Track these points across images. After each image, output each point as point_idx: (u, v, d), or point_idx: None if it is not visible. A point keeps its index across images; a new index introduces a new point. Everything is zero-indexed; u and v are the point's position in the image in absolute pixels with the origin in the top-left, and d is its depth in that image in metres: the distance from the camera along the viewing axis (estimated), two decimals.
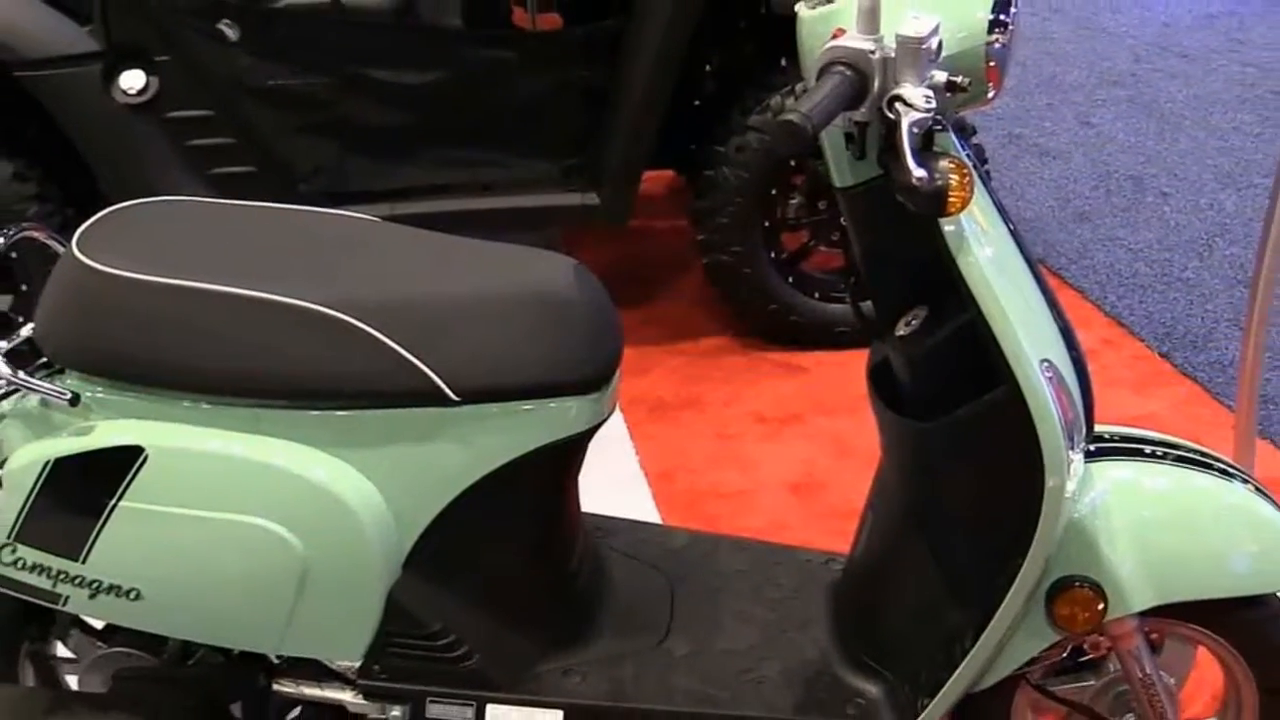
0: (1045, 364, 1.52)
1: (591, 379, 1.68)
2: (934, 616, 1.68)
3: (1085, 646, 1.74)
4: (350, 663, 1.69)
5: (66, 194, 2.88)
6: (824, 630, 1.86)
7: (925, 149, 1.38)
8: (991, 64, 1.44)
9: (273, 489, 1.62)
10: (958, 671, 1.62)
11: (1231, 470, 1.71)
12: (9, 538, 1.62)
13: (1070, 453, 1.53)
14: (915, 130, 1.36)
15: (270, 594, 1.63)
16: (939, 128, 1.39)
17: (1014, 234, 1.64)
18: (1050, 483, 1.52)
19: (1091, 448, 1.67)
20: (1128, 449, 1.70)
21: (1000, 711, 1.78)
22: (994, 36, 1.44)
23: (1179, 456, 1.70)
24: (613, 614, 1.88)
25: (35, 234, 1.81)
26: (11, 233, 1.77)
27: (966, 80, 1.41)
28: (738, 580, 1.98)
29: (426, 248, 1.81)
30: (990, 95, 1.47)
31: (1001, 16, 1.45)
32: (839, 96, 1.37)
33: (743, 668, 1.81)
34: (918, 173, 1.34)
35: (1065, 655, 1.76)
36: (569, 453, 1.72)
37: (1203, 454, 1.73)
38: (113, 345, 1.63)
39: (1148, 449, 1.71)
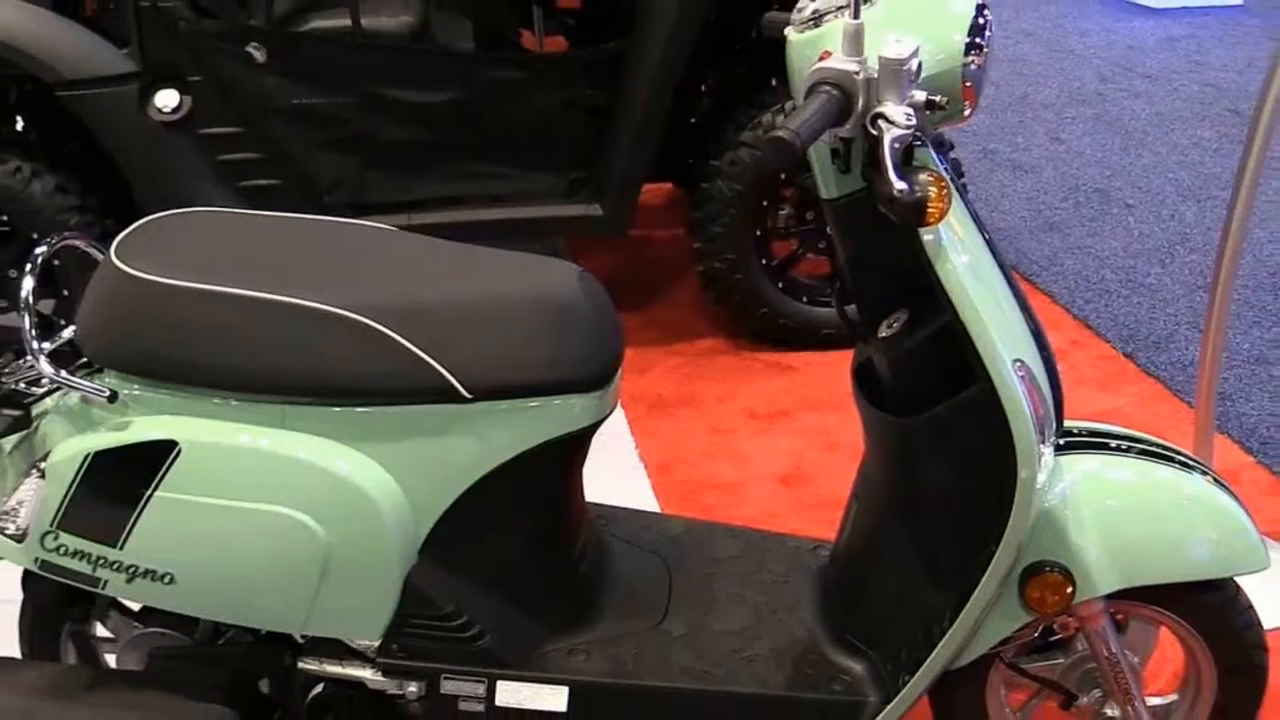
0: (1018, 364, 1.52)
1: (594, 378, 1.67)
2: (914, 599, 1.67)
3: (1055, 627, 1.72)
4: (370, 642, 1.68)
5: (105, 205, 2.86)
6: (811, 612, 1.85)
7: (906, 163, 1.38)
8: (968, 84, 1.44)
9: (298, 480, 1.61)
10: (936, 650, 1.61)
11: (1191, 463, 1.71)
12: (52, 526, 1.61)
13: (1041, 446, 1.53)
14: (896, 146, 1.35)
15: (295, 578, 1.63)
16: (919, 143, 1.39)
17: (989, 242, 1.62)
18: (1023, 474, 1.51)
19: (1061, 441, 1.67)
20: (1095, 443, 1.70)
21: (975, 688, 1.76)
22: (970, 59, 1.43)
23: (1142, 450, 1.70)
24: (614, 597, 1.87)
25: (76, 242, 1.80)
26: (54, 241, 1.75)
27: (944, 99, 1.40)
28: (731, 565, 1.96)
29: (441, 255, 1.80)
30: (966, 113, 1.46)
31: (977, 40, 1.44)
32: (825, 114, 1.36)
33: (736, 647, 1.80)
34: (899, 185, 1.33)
35: (1037, 635, 1.74)
36: (574, 446, 1.71)
37: (1165, 448, 1.72)
38: (148, 346, 1.62)
39: (1113, 443, 1.71)
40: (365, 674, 1.70)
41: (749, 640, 1.79)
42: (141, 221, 1.76)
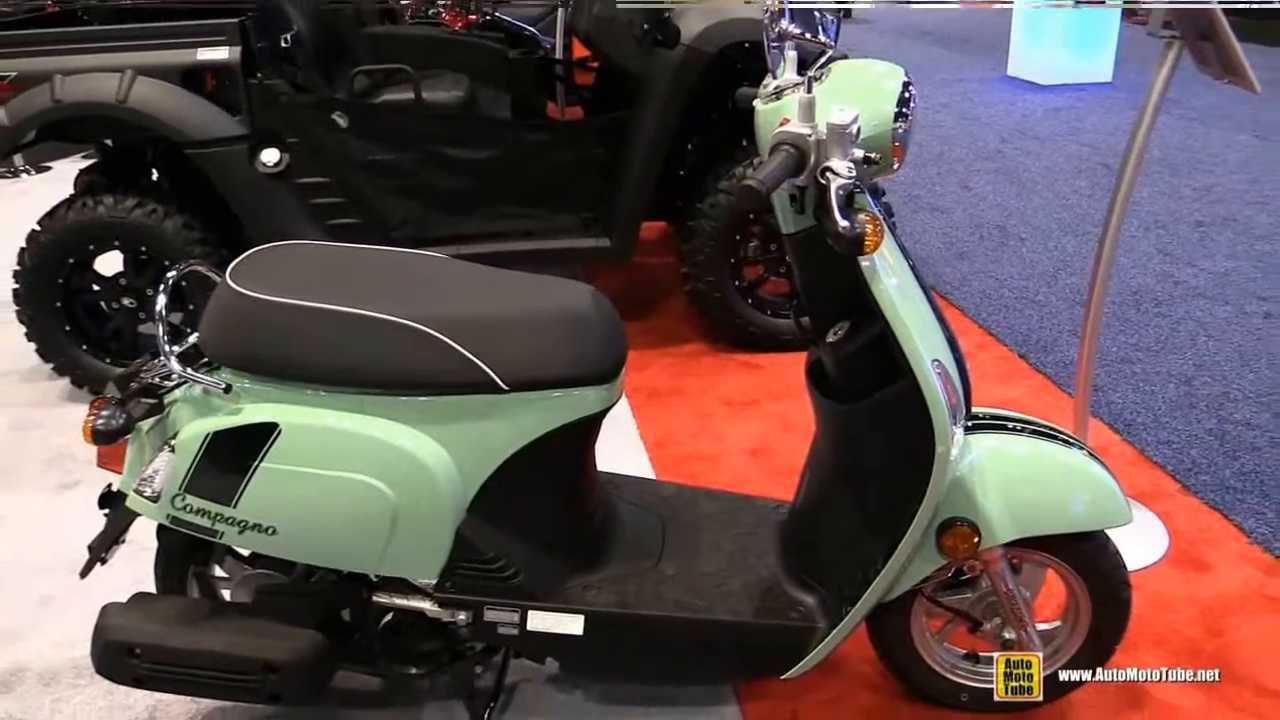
0: (935, 363, 1.50)
1: (604, 374, 1.63)
2: (854, 546, 1.65)
3: (965, 569, 1.70)
4: (429, 580, 1.63)
5: (221, 239, 2.83)
6: (774, 557, 1.82)
7: (848, 206, 1.36)
8: (896, 144, 1.41)
9: (373, 455, 1.56)
10: (871, 586, 1.59)
11: (1072, 440, 1.69)
12: (180, 490, 1.57)
13: (954, 428, 1.52)
14: (840, 192, 1.34)
15: (370, 531, 1.57)
16: (858, 190, 1.37)
17: (913, 268, 1.59)
18: (939, 450, 1.49)
19: (969, 424, 1.65)
20: (996, 425, 1.68)
21: (902, 617, 1.76)
22: (898, 124, 1.41)
23: (1033, 430, 1.68)
24: (620, 544, 1.84)
25: (199, 268, 1.76)
26: (182, 267, 1.73)
27: (878, 155, 1.38)
28: (712, 520, 1.94)
29: (483, 278, 1.75)
30: (895, 167, 1.44)
31: (903, 110, 1.42)
32: (785, 167, 1.35)
33: (715, 584, 1.77)
34: (843, 223, 1.31)
35: (950, 575, 1.72)
36: (588, 428, 1.67)
37: (1051, 429, 1.70)
38: (255, 349, 1.57)
39: (1010, 425, 1.69)
40: (425, 605, 1.66)
41: (725, 579, 1.77)
42: (250, 251, 1.72)
